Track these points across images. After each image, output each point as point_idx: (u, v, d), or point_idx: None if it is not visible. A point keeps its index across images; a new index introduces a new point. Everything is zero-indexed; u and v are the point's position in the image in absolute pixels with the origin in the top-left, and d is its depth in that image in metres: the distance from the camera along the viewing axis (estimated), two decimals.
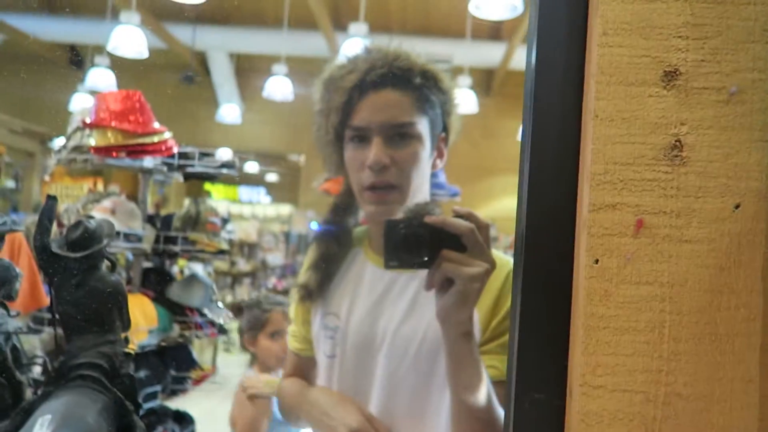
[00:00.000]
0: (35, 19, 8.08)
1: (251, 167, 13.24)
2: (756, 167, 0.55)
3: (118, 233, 2.50)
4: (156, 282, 2.94)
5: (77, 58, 9.09)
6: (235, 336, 7.16)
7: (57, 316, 0.88)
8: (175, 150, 2.85)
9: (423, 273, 0.79)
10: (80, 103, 6.88)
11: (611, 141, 0.57)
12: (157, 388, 2.60)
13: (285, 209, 13.11)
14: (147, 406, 2.51)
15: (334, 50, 7.34)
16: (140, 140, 2.66)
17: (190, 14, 7.44)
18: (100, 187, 5.04)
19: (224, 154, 3.95)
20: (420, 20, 7.73)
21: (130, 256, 3.00)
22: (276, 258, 9.54)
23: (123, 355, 0.86)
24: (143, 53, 5.77)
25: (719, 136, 0.56)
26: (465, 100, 6.40)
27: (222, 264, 7.92)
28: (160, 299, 2.86)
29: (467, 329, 0.80)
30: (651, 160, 0.56)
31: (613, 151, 0.56)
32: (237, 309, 2.71)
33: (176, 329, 2.85)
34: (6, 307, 0.91)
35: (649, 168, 0.56)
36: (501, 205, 8.41)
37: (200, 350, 4.69)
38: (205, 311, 2.95)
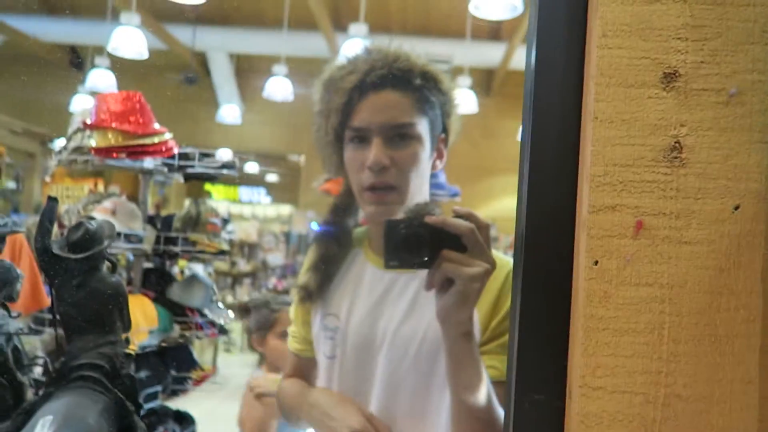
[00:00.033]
0: (36, 21, 8.09)
1: (251, 167, 13.24)
2: (755, 168, 0.55)
3: (118, 234, 2.50)
4: (156, 282, 2.94)
5: (78, 60, 9.10)
6: (235, 336, 7.17)
7: (58, 317, 0.88)
8: (176, 151, 2.85)
9: (423, 273, 0.79)
10: (81, 104, 6.88)
11: (611, 143, 0.57)
12: (158, 388, 2.60)
13: (285, 209, 13.11)
14: (148, 406, 2.51)
15: (334, 51, 7.34)
16: (140, 141, 2.66)
17: (190, 15, 7.44)
18: (100, 188, 5.04)
19: (224, 154, 3.96)
20: (420, 20, 7.73)
21: (131, 257, 3.00)
22: (276, 258, 9.53)
23: (124, 355, 0.86)
24: (143, 54, 5.78)
25: (719, 138, 0.56)
26: (465, 100, 6.40)
27: (222, 264, 7.92)
28: (161, 300, 2.86)
29: (467, 329, 0.81)
30: (650, 162, 0.56)
31: (612, 152, 0.57)
32: (244, 309, 2.70)
33: (177, 330, 2.85)
34: (7, 308, 0.91)
35: (648, 169, 0.56)
36: (501, 205, 8.41)
37: (200, 351, 4.69)
38: (206, 312, 2.95)
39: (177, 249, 2.89)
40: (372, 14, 6.37)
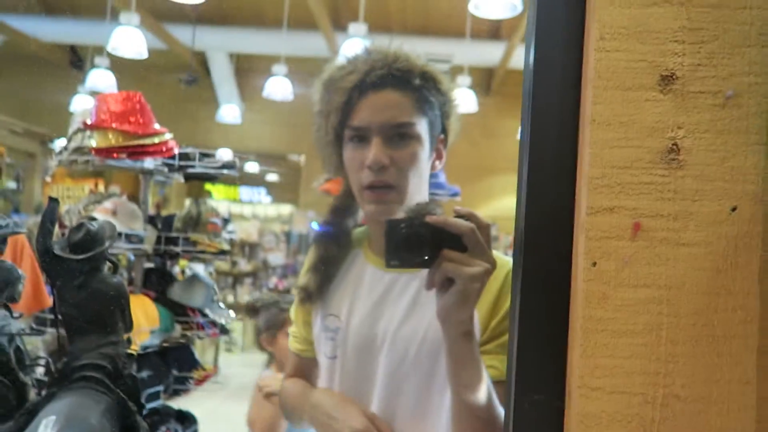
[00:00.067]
0: (35, 21, 8.09)
1: (252, 167, 13.24)
2: (752, 170, 0.56)
3: (119, 234, 2.50)
4: (157, 282, 2.94)
5: (77, 60, 9.10)
6: (237, 336, 7.18)
7: (59, 317, 0.88)
8: (176, 151, 2.86)
9: (423, 274, 0.80)
10: (81, 104, 6.89)
11: (608, 145, 0.57)
12: (160, 388, 2.61)
13: (286, 209, 13.11)
14: (150, 406, 2.51)
15: (333, 50, 7.34)
16: (141, 141, 2.67)
17: (190, 15, 7.44)
18: (101, 188, 5.05)
19: (224, 154, 3.96)
20: (420, 20, 7.73)
21: (132, 257, 3.01)
22: (277, 258, 9.53)
23: (125, 356, 0.87)
24: (143, 54, 5.78)
25: (716, 140, 0.56)
26: (465, 99, 6.40)
27: (223, 264, 7.92)
28: (162, 300, 2.86)
29: (468, 329, 0.81)
30: (648, 164, 0.56)
31: (610, 155, 0.57)
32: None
33: (178, 329, 2.86)
34: (9, 309, 0.91)
35: (646, 171, 0.56)
36: (501, 205, 8.41)
37: (202, 350, 4.70)
38: (207, 311, 2.95)
39: (178, 249, 2.89)
40: (371, 14, 6.37)
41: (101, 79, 6.94)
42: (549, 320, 0.60)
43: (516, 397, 0.59)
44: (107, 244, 0.88)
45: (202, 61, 9.03)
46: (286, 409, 1.20)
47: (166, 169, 2.88)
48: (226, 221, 3.23)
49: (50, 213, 0.88)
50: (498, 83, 8.57)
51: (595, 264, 0.56)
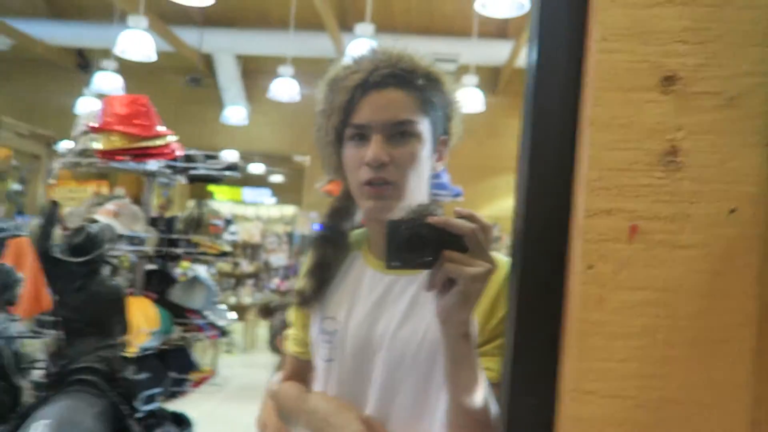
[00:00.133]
0: (43, 24, 8.14)
1: (257, 168, 13.26)
2: (752, 172, 0.55)
3: (121, 236, 2.50)
4: (158, 284, 2.94)
5: (85, 63, 9.14)
6: (237, 337, 7.17)
7: (59, 319, 0.88)
8: (180, 153, 2.86)
9: (421, 276, 0.79)
10: (86, 107, 6.92)
11: (607, 147, 0.57)
12: (158, 390, 2.60)
13: (289, 210, 13.12)
14: (147, 408, 2.51)
15: (340, 51, 7.35)
16: (145, 144, 2.67)
17: (197, 17, 7.47)
18: (104, 190, 5.06)
19: (230, 155, 3.96)
20: (426, 20, 7.72)
21: (134, 259, 3.01)
22: (279, 259, 9.52)
23: (122, 358, 0.87)
24: (152, 57, 5.81)
25: (716, 141, 0.56)
26: (472, 98, 6.40)
27: (225, 265, 7.92)
28: (162, 301, 2.86)
29: (467, 330, 0.81)
30: (646, 166, 0.56)
31: (609, 157, 0.56)
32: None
33: (177, 331, 2.85)
34: (7, 312, 0.92)
35: (644, 173, 0.56)
36: (506, 204, 8.39)
37: (202, 352, 4.70)
38: (206, 313, 2.95)
39: (179, 251, 2.89)
40: (378, 14, 6.37)
41: (107, 81, 6.96)
42: (544, 324, 0.59)
43: (510, 400, 0.59)
44: (106, 246, 0.88)
45: (208, 62, 9.05)
46: (282, 411, 1.19)
47: (169, 171, 2.88)
48: (228, 223, 3.23)
49: (50, 216, 0.88)
50: (505, 82, 8.54)
51: (591, 266, 0.55)
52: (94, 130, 2.62)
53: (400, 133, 1.01)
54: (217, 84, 9.27)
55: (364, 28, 5.70)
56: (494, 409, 0.87)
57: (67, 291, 0.84)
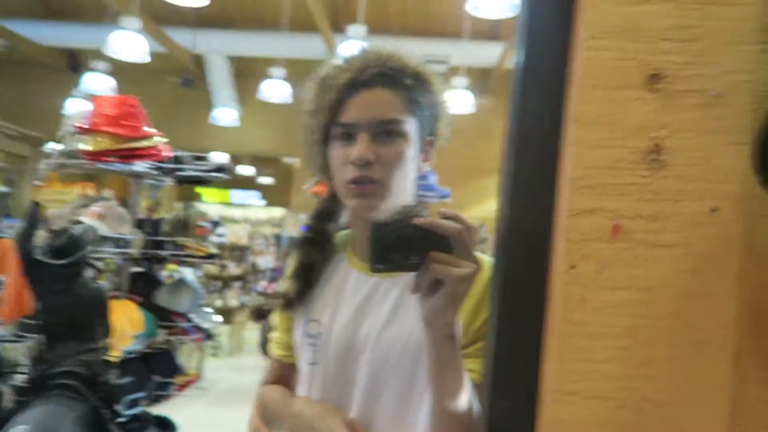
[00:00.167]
0: (37, 25, 8.08)
1: (247, 170, 13.22)
2: (734, 170, 0.55)
3: (106, 238, 2.48)
4: (144, 287, 2.91)
5: (76, 64, 9.09)
6: (223, 340, 7.13)
7: (41, 323, 0.87)
8: (168, 154, 2.84)
9: (406, 278, 0.78)
10: (75, 107, 6.88)
11: (591, 145, 0.56)
12: (141, 394, 2.58)
13: (277, 212, 13.09)
14: (130, 412, 2.49)
15: (332, 53, 7.34)
16: (132, 145, 2.65)
17: (189, 18, 7.43)
18: (90, 192, 5.02)
19: (219, 157, 3.95)
20: (418, 21, 7.73)
21: (120, 261, 2.98)
22: (267, 261, 9.47)
23: (104, 362, 0.85)
24: (145, 57, 5.79)
25: (700, 140, 0.55)
26: (462, 100, 6.41)
27: (212, 268, 7.87)
28: (147, 304, 2.83)
29: (452, 331, 0.80)
30: (630, 164, 0.55)
31: (592, 155, 0.56)
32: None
33: (162, 334, 2.83)
34: None
35: (627, 172, 0.55)
36: (494, 206, 8.34)
37: (188, 355, 4.67)
38: (192, 316, 2.93)
39: (165, 253, 2.87)
40: (370, 16, 6.37)
41: (96, 82, 6.93)
42: (526, 324, 0.58)
43: (492, 401, 0.58)
44: (88, 248, 0.87)
45: (200, 63, 9.01)
46: (265, 414, 1.18)
47: (155, 173, 2.86)
48: (216, 224, 3.21)
49: (32, 217, 0.87)
50: (495, 84, 8.56)
51: (574, 266, 0.55)
52: (82, 130, 2.60)
53: (387, 132, 1.01)
54: (208, 85, 9.24)
55: (357, 30, 5.70)
56: (478, 410, 0.86)
57: (48, 293, 0.82)
